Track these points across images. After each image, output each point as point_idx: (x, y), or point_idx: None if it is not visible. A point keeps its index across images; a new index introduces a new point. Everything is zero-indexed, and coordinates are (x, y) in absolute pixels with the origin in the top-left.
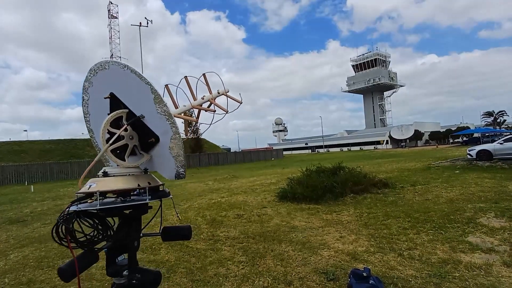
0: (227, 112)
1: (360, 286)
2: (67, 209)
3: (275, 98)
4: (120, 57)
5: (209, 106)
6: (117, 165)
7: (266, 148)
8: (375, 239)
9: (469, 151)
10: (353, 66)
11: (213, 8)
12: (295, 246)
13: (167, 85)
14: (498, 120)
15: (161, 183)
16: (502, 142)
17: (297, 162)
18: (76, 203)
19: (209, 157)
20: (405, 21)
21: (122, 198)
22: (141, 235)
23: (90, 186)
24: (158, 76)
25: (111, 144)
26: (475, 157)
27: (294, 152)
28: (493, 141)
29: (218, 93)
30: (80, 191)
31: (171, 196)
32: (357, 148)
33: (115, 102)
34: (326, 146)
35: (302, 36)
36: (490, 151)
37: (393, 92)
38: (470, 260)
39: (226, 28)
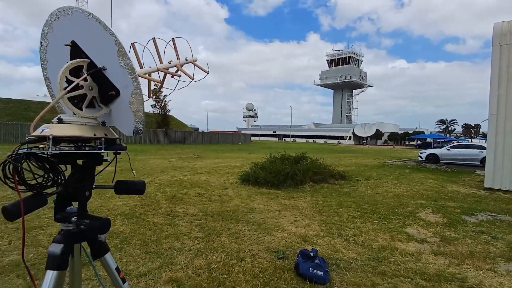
0: (192, 79)
1: (306, 265)
2: (17, 149)
3: (250, 83)
4: None
5: (175, 72)
6: (73, 114)
7: (235, 131)
8: (326, 225)
9: (420, 153)
10: (327, 60)
11: None
12: (251, 226)
13: (133, 43)
14: (449, 128)
15: (117, 136)
16: (449, 148)
17: (263, 148)
18: (26, 146)
19: (175, 135)
20: (383, 24)
21: (76, 145)
22: (94, 186)
23: (43, 130)
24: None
25: (69, 91)
26: (424, 159)
27: (262, 138)
28: (442, 147)
29: (186, 60)
30: (32, 134)
31: (127, 150)
32: (322, 141)
33: (76, 51)
34: (293, 136)
35: (284, 24)
36: (438, 155)
37: (362, 91)
38: (405, 248)
39: (209, 4)
